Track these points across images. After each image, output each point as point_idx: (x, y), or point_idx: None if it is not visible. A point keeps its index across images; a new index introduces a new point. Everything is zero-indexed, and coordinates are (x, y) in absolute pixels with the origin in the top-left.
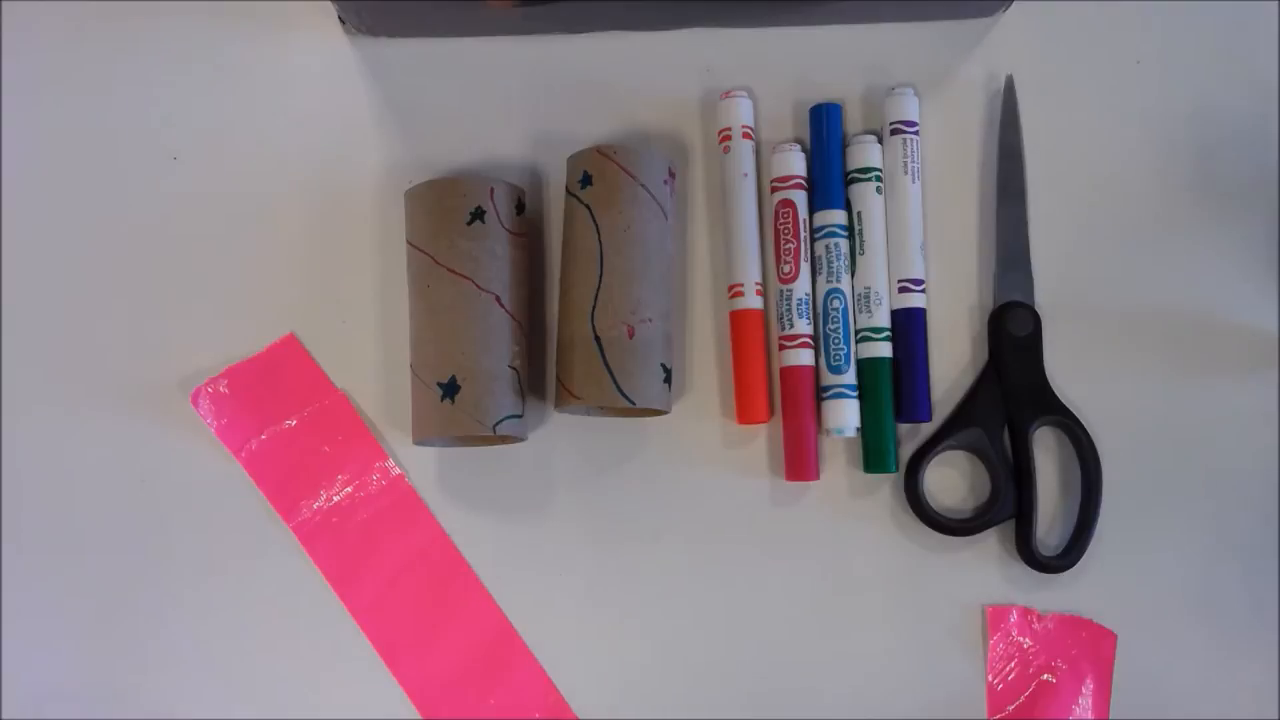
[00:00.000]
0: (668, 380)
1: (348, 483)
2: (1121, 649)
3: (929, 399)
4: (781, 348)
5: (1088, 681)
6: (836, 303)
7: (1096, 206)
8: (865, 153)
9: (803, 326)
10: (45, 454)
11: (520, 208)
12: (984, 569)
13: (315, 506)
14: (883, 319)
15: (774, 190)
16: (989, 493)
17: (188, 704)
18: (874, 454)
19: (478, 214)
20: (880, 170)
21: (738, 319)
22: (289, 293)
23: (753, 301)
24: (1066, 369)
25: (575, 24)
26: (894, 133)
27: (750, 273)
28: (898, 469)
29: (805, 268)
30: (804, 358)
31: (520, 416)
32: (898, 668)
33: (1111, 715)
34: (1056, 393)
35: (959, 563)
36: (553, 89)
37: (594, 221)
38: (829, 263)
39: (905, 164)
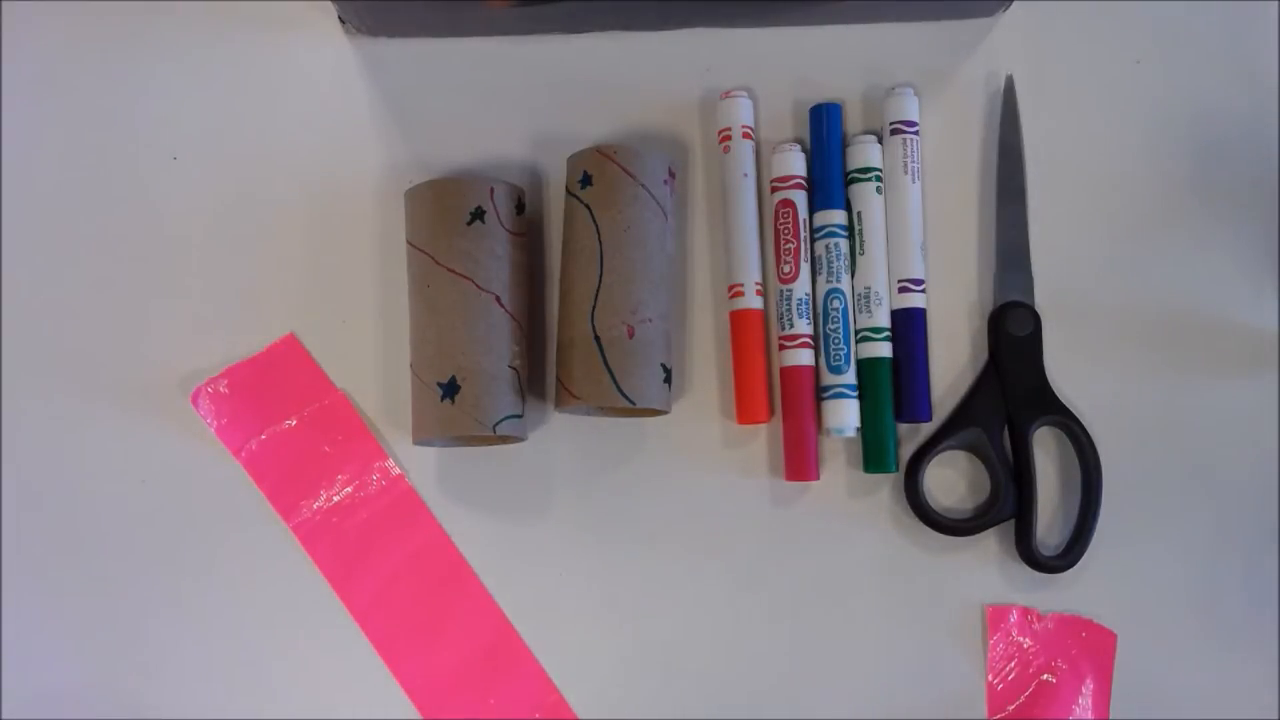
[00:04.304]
0: (668, 380)
1: (348, 483)
2: (1121, 649)
3: (929, 399)
4: (781, 348)
5: (1088, 681)
6: (836, 303)
7: (1096, 206)
8: (865, 153)
9: (803, 326)
10: (45, 454)
11: (520, 208)
12: (984, 569)
13: (315, 506)
14: (883, 319)
15: (774, 190)
16: (989, 493)
17: (188, 704)
18: (874, 454)
19: (478, 214)
20: (880, 170)
21: (738, 319)
22: (289, 293)
23: (753, 301)
24: (1066, 369)
25: (575, 24)
26: (894, 133)
27: (750, 273)
28: (898, 469)
29: (805, 268)
30: (804, 358)
31: (520, 416)
32: (897, 668)
33: (1111, 715)
34: (1056, 393)
35: (959, 563)
36: (553, 89)
37: (594, 221)
38: (829, 263)
39: (905, 164)
